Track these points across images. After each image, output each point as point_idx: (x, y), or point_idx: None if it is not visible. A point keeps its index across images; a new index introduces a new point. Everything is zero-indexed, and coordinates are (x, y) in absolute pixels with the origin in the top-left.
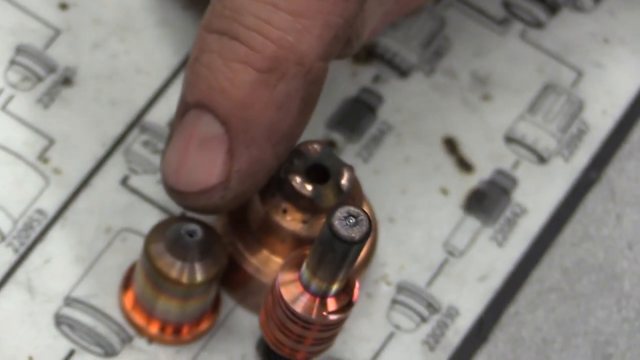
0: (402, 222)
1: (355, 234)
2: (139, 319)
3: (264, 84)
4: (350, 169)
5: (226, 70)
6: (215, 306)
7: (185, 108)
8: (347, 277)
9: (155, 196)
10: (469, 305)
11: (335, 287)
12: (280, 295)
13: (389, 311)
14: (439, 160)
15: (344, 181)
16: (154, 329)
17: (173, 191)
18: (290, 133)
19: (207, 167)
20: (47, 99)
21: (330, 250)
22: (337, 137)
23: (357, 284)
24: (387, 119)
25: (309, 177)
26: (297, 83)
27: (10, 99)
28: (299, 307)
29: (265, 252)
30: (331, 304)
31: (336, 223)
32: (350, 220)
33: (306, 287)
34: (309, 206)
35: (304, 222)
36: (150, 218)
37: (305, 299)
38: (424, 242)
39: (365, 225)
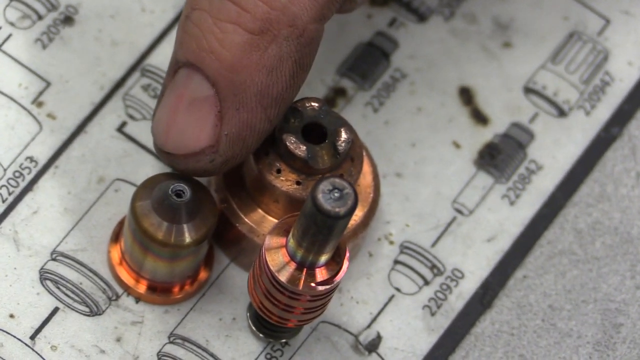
0: (410, 177)
1: (340, 208)
2: (127, 276)
3: (255, 46)
4: (349, 128)
5: (216, 30)
6: (208, 263)
7: (176, 66)
8: (335, 248)
9: (152, 144)
10: (475, 267)
11: (322, 259)
12: (266, 263)
13: (391, 272)
14: (453, 112)
15: (340, 142)
16: (141, 287)
17: (161, 152)
18: (282, 97)
19: (196, 129)
20: (46, 39)
21: (313, 224)
22: (347, 83)
23: (347, 254)
24: (401, 66)
25: (304, 136)
26: (290, 46)
27: (7, 37)
28: (284, 277)
29: (259, 212)
30: (319, 275)
31: (320, 196)
32: (335, 194)
33: (292, 257)
34: (303, 167)
35: (298, 183)
36: (146, 167)
37: (291, 268)
38: (432, 199)
39: (351, 199)
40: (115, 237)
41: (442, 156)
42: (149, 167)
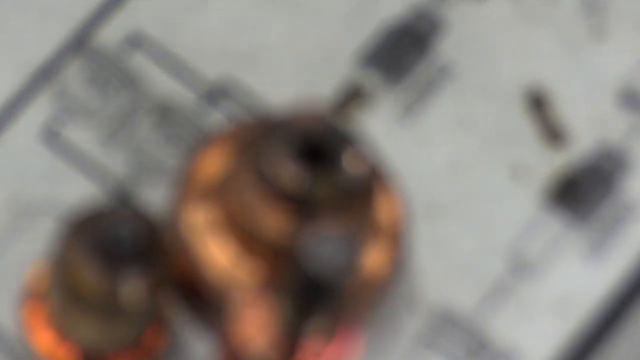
0: (450, 216)
1: (331, 268)
2: (46, 339)
3: None
4: (363, 150)
5: None
6: (159, 328)
7: None
8: (336, 318)
9: (90, 155)
10: (535, 345)
11: (318, 332)
12: (238, 335)
13: (419, 349)
14: (515, 124)
15: (347, 169)
16: (66, 355)
17: None
18: None
19: None
20: None
21: (301, 286)
22: (369, 80)
23: (353, 329)
24: (445, 58)
25: (300, 162)
26: None
27: None
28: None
29: (232, 258)
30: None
31: (307, 251)
32: (330, 247)
33: (277, 328)
34: (296, 203)
35: (289, 224)
36: (79, 188)
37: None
38: (480, 247)
39: (350, 255)
40: (33, 287)
41: (496, 187)
42: (84, 187)
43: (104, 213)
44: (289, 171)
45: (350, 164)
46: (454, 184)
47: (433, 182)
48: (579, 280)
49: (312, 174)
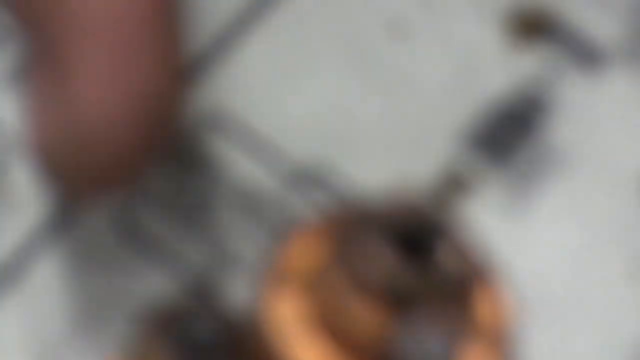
0: (564, 315)
1: None
2: None
3: None
4: (458, 244)
5: None
6: None
7: None
8: None
9: (166, 246)
10: None
11: None
12: None
13: None
14: (633, 214)
15: (444, 264)
16: None
17: None
18: None
19: None
20: None
21: None
22: (470, 162)
23: None
24: (554, 141)
25: (395, 255)
26: None
27: None
28: None
29: (324, 351)
30: None
31: (401, 352)
32: (423, 350)
33: None
34: (390, 299)
35: (383, 322)
36: (155, 283)
37: None
38: (598, 350)
39: (443, 356)
40: None
41: (613, 282)
42: (158, 283)
43: (183, 312)
44: (383, 266)
45: (447, 259)
46: (566, 279)
47: (543, 277)
48: None
49: (407, 269)
